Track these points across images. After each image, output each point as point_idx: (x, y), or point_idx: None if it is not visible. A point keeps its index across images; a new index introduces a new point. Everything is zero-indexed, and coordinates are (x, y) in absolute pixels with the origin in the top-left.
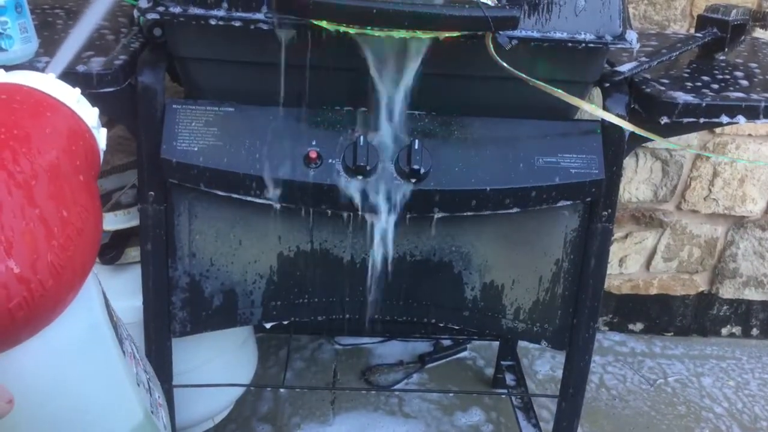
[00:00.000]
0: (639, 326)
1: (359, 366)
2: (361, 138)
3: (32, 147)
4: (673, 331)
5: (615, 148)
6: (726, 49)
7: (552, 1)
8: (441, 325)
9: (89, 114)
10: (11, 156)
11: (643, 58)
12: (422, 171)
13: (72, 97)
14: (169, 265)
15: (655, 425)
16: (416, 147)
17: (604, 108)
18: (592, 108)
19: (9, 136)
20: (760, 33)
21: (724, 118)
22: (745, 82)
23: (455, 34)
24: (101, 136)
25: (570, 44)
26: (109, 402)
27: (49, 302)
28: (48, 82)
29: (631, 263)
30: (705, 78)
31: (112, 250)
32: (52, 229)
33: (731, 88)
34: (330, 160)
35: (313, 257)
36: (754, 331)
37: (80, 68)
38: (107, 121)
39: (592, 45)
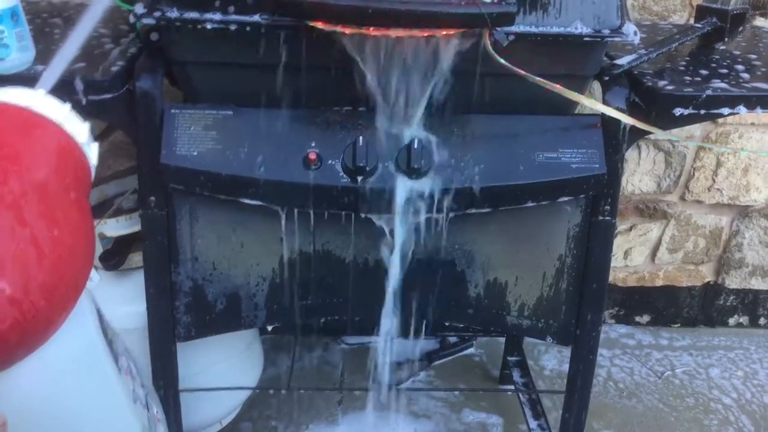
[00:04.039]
0: (646, 318)
1: (366, 365)
2: (361, 138)
3: (21, 166)
4: (680, 322)
5: (615, 141)
6: (726, 39)
7: None
8: (446, 323)
9: (79, 130)
10: (0, 176)
11: (642, 50)
12: (422, 170)
13: (61, 114)
14: (171, 269)
15: (663, 418)
16: (416, 146)
17: (604, 102)
18: (591, 102)
19: None
20: (760, 21)
21: (725, 110)
22: (745, 74)
23: (452, 31)
24: (92, 152)
25: (568, 39)
26: (105, 420)
27: (41, 323)
28: (37, 100)
29: (636, 255)
30: (705, 69)
31: (114, 256)
32: (43, 248)
33: (731, 79)
34: (330, 161)
35: (316, 258)
36: (762, 321)
37: (78, 75)
38: (106, 127)
39: (589, 39)
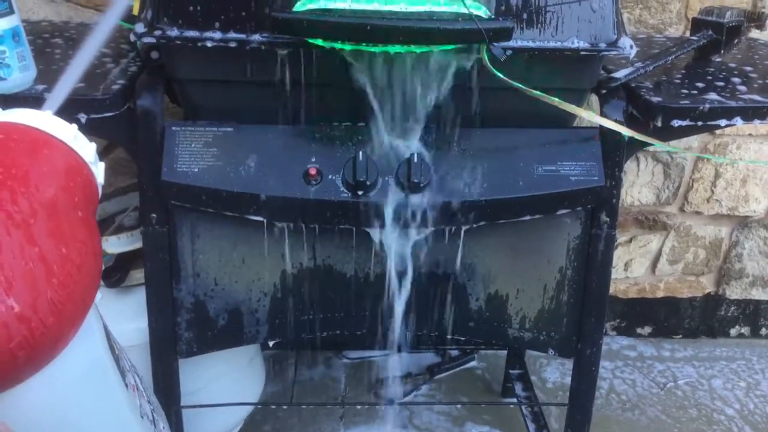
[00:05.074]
0: (647, 330)
1: (368, 379)
2: (361, 153)
3: (30, 185)
4: (682, 333)
5: (614, 153)
6: (722, 51)
7: (545, 10)
8: (448, 336)
9: (87, 149)
10: (9, 196)
11: (639, 64)
12: (422, 184)
13: (69, 134)
14: (173, 286)
15: (666, 429)
16: (415, 160)
17: (602, 114)
18: (589, 115)
19: (7, 176)
20: (756, 33)
21: (722, 121)
22: (742, 87)
23: (450, 47)
24: (99, 171)
25: (565, 53)
26: None
27: (50, 340)
28: (45, 120)
29: (636, 267)
30: (701, 81)
31: (116, 272)
32: (51, 266)
33: (728, 91)
34: (330, 177)
35: (317, 273)
36: (763, 331)
37: (79, 94)
38: (107, 144)
39: (585, 53)
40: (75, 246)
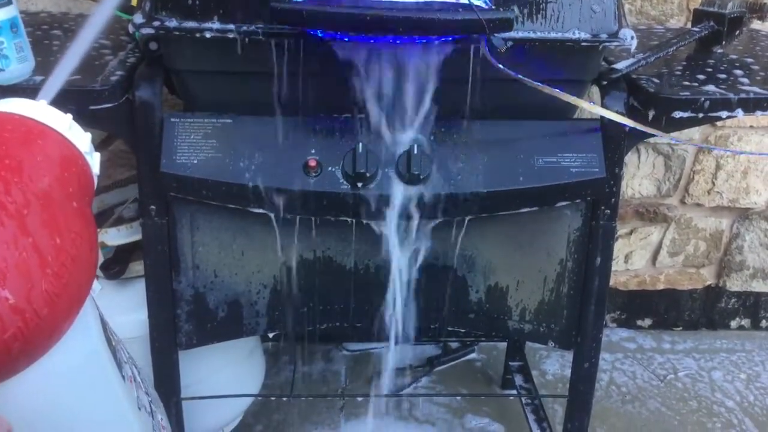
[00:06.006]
0: (647, 322)
1: (368, 371)
2: (360, 145)
3: (24, 176)
4: (682, 325)
5: (615, 145)
6: (723, 42)
7: (546, 0)
8: (448, 328)
9: (82, 139)
10: (3, 186)
11: (640, 55)
12: (422, 176)
13: (64, 124)
14: (173, 278)
15: (667, 421)
16: (415, 152)
17: (603, 106)
18: (590, 106)
19: (0, 167)
20: (758, 25)
21: (723, 113)
22: (744, 79)
23: (450, 38)
24: (94, 161)
25: (566, 44)
26: (109, 428)
27: (45, 331)
28: (39, 110)
29: (636, 259)
30: (703, 72)
31: (116, 264)
32: (45, 257)
33: (729, 83)
34: (330, 168)
35: (317, 265)
36: (764, 323)
37: (77, 85)
38: (106, 136)
39: (586, 44)
40: (70, 237)
